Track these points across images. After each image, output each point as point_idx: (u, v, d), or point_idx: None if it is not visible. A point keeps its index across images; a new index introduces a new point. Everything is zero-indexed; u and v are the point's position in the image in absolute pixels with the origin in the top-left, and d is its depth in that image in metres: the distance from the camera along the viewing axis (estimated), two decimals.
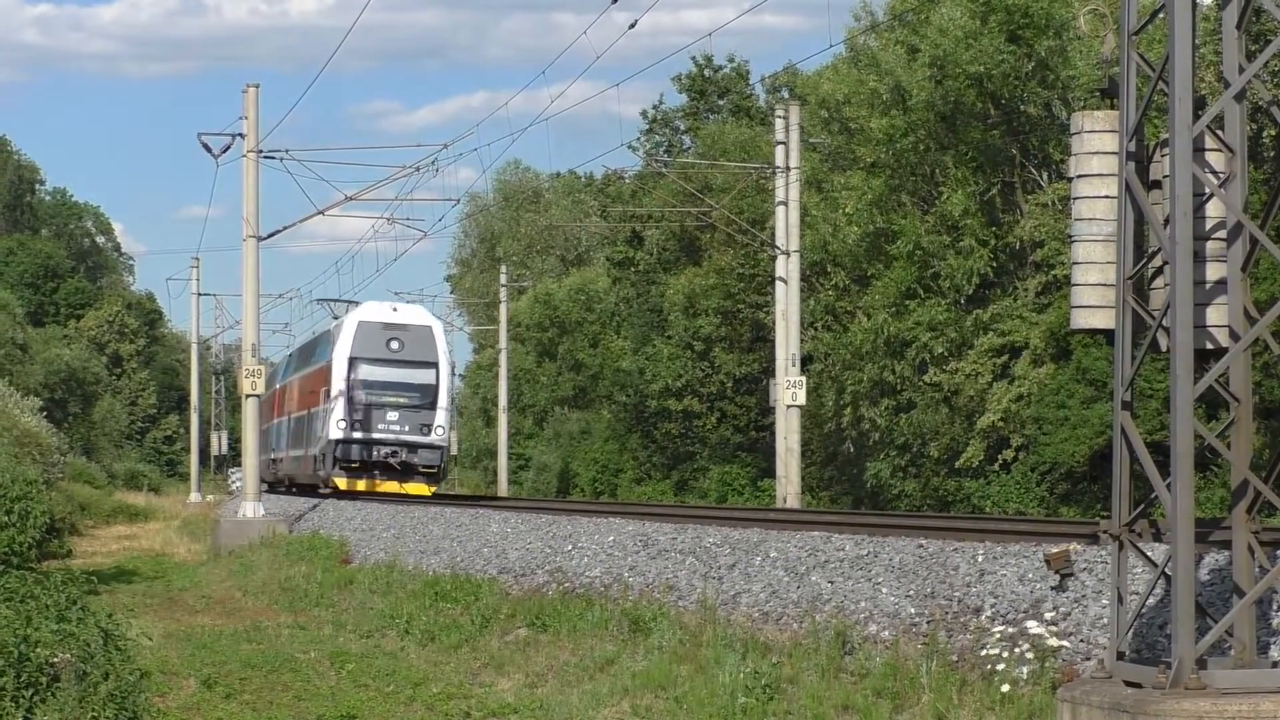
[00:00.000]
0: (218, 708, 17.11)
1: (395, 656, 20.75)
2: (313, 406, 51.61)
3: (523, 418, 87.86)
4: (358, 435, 46.89)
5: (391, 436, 46.93)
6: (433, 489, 47.30)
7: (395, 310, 49.40)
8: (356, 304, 58.11)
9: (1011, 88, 45.94)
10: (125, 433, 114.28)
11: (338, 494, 46.66)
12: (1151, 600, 13.15)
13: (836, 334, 52.57)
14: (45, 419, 52.99)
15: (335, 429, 47.11)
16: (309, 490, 53.75)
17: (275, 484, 66.20)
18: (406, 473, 46.81)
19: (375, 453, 46.78)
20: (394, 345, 47.41)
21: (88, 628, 15.90)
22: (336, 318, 56.81)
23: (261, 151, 42.74)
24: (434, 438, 47.09)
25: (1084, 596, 14.51)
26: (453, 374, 49.10)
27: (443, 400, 47.55)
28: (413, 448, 46.88)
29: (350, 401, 47.04)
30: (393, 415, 46.93)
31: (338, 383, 47.55)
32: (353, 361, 47.46)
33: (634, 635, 18.89)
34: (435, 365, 47.65)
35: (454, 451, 68.77)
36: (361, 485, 46.72)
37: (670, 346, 62.97)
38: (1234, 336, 12.39)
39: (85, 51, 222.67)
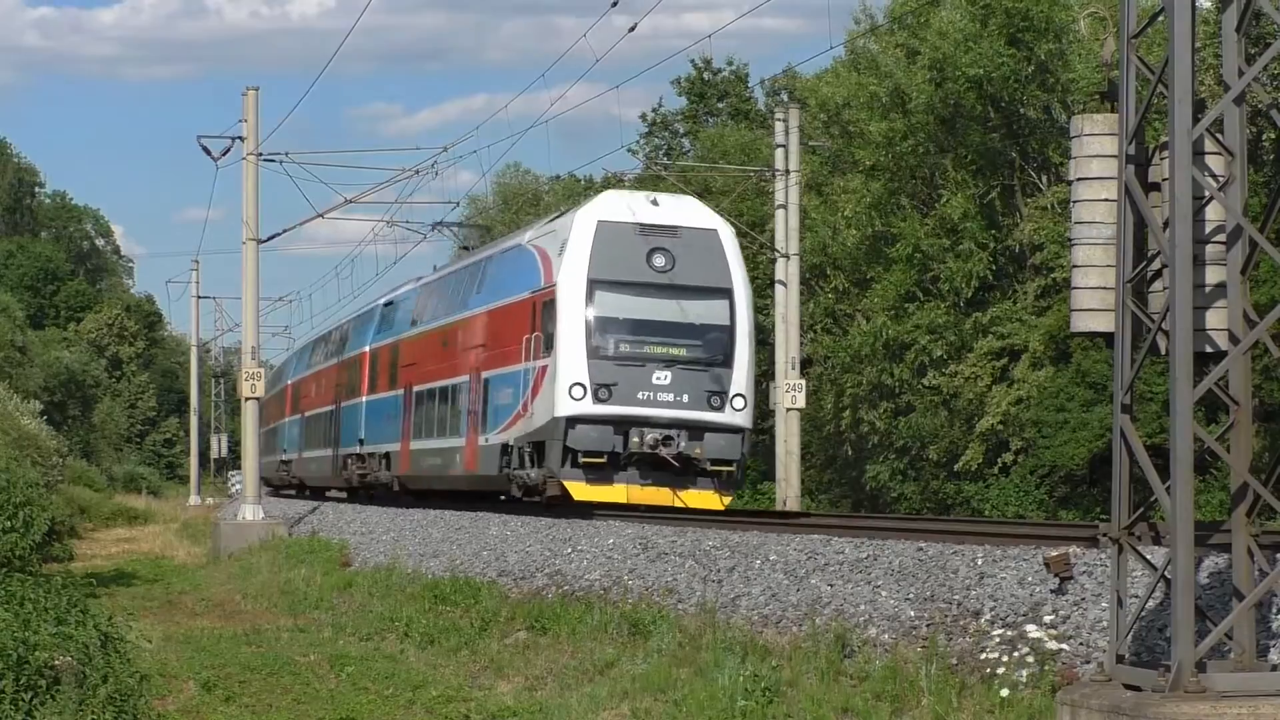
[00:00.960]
0: (217, 710, 17.10)
1: (395, 659, 20.74)
2: (488, 369, 32.84)
3: None
4: (606, 410, 28.47)
5: (664, 412, 28.51)
6: (728, 499, 29.10)
7: (656, 204, 30.16)
8: (479, 231, 41.67)
9: (1011, 91, 45.97)
10: (125, 435, 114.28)
11: (565, 506, 28.90)
12: (1151, 603, 13.14)
13: (836, 337, 52.59)
14: (45, 422, 53.03)
15: (565, 400, 28.57)
16: (467, 500, 35.86)
17: (307, 491, 56.39)
18: (686, 472, 28.45)
19: (635, 439, 28.34)
20: (659, 260, 29.25)
21: (87, 630, 15.90)
22: (466, 247, 41.93)
23: (261, 154, 42.68)
24: (730, 415, 28.73)
25: (1083, 600, 14.50)
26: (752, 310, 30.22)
27: (742, 351, 29.08)
28: (697, 430, 28.50)
29: (592, 354, 28.77)
30: (662, 377, 28.65)
31: (568, 324, 28.95)
32: (593, 286, 29.00)
33: (633, 638, 18.89)
34: (729, 293, 29.45)
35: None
36: (614, 493, 28.49)
37: None
38: (1234, 340, 12.38)
39: (85, 54, 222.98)
